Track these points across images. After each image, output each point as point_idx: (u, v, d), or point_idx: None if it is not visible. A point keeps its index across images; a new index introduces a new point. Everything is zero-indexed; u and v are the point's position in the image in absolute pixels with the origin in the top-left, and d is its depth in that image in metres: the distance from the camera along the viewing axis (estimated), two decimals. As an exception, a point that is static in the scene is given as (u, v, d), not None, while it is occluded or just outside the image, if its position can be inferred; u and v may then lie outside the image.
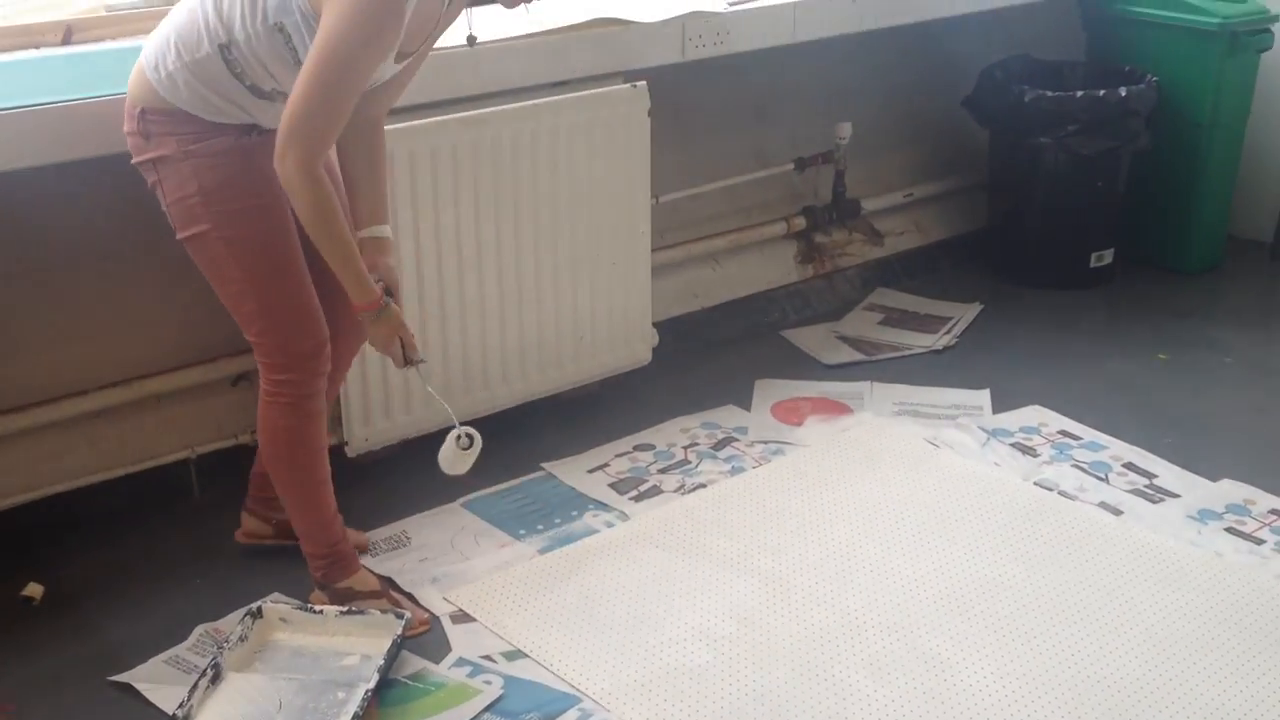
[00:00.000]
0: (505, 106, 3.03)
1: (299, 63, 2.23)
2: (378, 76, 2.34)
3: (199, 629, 2.57)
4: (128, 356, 2.91)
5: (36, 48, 2.79)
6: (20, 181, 2.47)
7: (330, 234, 2.26)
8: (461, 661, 2.51)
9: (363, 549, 2.79)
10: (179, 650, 2.53)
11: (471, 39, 2.50)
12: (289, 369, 2.45)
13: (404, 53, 2.36)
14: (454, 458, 2.56)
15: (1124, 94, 3.97)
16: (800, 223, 4.11)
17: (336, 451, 2.95)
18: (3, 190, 2.53)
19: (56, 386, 2.85)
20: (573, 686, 2.43)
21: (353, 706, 2.34)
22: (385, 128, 2.54)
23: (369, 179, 2.50)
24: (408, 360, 2.47)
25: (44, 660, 2.50)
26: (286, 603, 2.60)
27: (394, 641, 2.47)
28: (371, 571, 2.69)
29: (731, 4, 3.42)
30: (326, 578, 2.61)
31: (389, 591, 2.65)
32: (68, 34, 2.83)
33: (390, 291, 2.44)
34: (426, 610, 2.63)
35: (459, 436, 2.55)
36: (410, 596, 2.67)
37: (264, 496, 2.74)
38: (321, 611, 2.55)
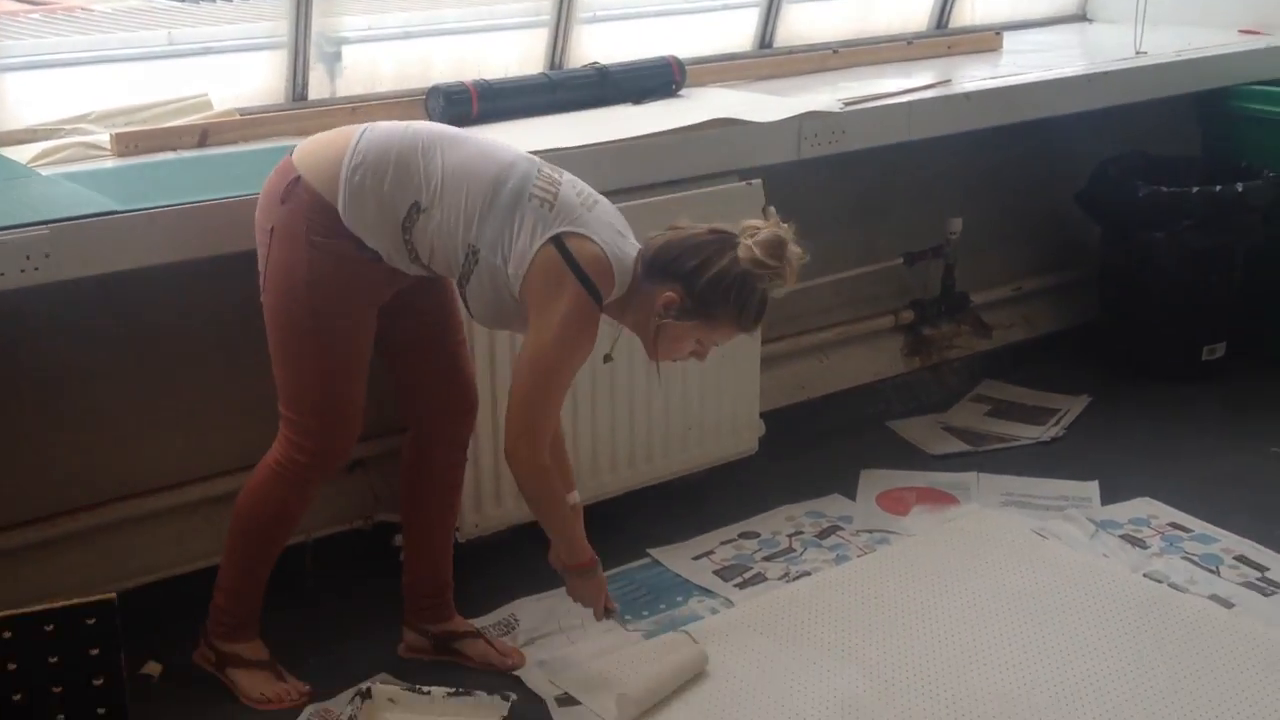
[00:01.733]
0: (624, 204, 3.09)
1: (463, 280, 2.41)
2: None
3: (309, 709, 2.63)
4: (249, 443, 3.00)
5: (174, 150, 2.93)
6: (150, 277, 2.57)
7: (550, 510, 2.53)
8: (565, 744, 2.54)
9: (518, 665, 2.77)
10: (291, 729, 2.59)
11: (607, 357, 2.61)
12: (314, 454, 2.52)
13: None
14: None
15: (1241, 189, 3.95)
16: (908, 316, 4.14)
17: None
18: (136, 286, 2.65)
19: (182, 472, 2.96)
20: (674, 771, 2.44)
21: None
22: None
23: (556, 465, 2.59)
24: (607, 610, 2.72)
25: (160, 738, 2.57)
26: (395, 684, 2.66)
27: (500, 722, 2.53)
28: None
29: (846, 104, 3.47)
30: (225, 637, 2.65)
31: (275, 664, 2.67)
32: (203, 137, 2.97)
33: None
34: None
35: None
36: (516, 679, 2.72)
37: (420, 608, 2.79)
38: (429, 692, 2.60)
